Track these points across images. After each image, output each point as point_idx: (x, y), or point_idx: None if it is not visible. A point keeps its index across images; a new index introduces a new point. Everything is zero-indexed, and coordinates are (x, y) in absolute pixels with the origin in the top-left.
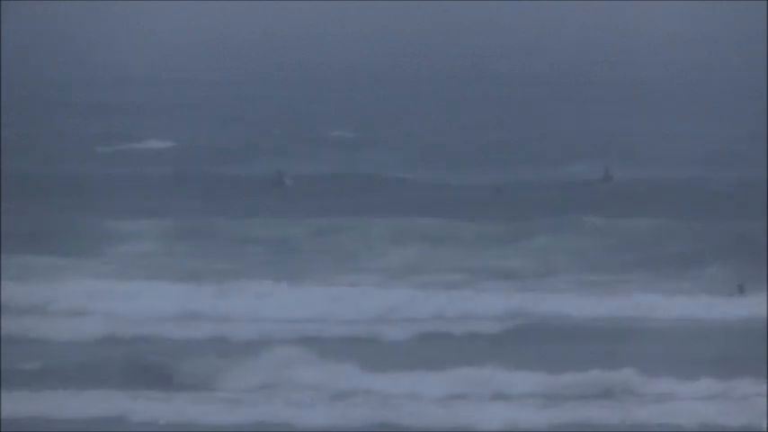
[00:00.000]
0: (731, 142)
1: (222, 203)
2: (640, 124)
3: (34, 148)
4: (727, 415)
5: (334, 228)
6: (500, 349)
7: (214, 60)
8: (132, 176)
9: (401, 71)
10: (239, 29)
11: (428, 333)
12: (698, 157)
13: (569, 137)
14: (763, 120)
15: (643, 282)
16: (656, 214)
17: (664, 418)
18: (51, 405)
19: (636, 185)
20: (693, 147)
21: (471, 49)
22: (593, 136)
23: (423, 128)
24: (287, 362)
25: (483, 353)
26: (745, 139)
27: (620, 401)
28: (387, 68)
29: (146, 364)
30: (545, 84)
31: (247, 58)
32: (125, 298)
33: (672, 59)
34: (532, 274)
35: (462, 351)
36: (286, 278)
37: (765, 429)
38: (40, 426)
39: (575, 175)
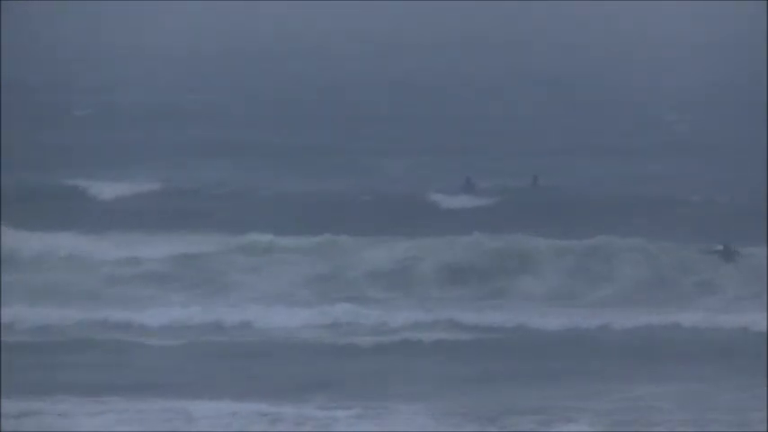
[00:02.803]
0: (729, 145)
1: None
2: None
3: None
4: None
5: None
6: None
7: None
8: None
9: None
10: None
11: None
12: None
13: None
14: (763, 122)
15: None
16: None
17: None
18: None
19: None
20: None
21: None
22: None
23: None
24: None
25: None
26: (744, 141)
27: None
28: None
29: None
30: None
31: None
32: None
33: (669, 60)
34: None
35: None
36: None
37: (766, 430)
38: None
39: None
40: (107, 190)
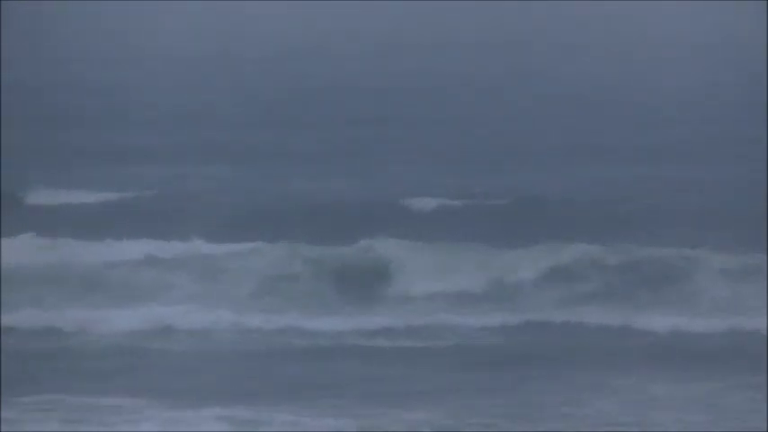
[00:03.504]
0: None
1: None
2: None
3: None
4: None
5: None
6: None
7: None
8: None
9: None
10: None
11: None
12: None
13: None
14: (763, 122)
15: None
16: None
17: None
18: None
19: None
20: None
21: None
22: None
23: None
24: None
25: None
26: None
27: None
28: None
29: None
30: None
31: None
32: None
33: (669, 60)
34: None
35: None
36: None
37: (766, 430)
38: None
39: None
40: (104, 190)
